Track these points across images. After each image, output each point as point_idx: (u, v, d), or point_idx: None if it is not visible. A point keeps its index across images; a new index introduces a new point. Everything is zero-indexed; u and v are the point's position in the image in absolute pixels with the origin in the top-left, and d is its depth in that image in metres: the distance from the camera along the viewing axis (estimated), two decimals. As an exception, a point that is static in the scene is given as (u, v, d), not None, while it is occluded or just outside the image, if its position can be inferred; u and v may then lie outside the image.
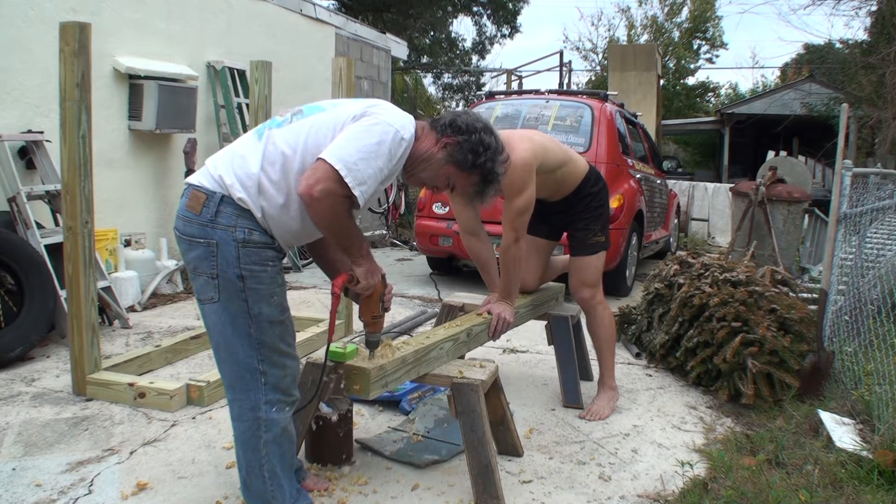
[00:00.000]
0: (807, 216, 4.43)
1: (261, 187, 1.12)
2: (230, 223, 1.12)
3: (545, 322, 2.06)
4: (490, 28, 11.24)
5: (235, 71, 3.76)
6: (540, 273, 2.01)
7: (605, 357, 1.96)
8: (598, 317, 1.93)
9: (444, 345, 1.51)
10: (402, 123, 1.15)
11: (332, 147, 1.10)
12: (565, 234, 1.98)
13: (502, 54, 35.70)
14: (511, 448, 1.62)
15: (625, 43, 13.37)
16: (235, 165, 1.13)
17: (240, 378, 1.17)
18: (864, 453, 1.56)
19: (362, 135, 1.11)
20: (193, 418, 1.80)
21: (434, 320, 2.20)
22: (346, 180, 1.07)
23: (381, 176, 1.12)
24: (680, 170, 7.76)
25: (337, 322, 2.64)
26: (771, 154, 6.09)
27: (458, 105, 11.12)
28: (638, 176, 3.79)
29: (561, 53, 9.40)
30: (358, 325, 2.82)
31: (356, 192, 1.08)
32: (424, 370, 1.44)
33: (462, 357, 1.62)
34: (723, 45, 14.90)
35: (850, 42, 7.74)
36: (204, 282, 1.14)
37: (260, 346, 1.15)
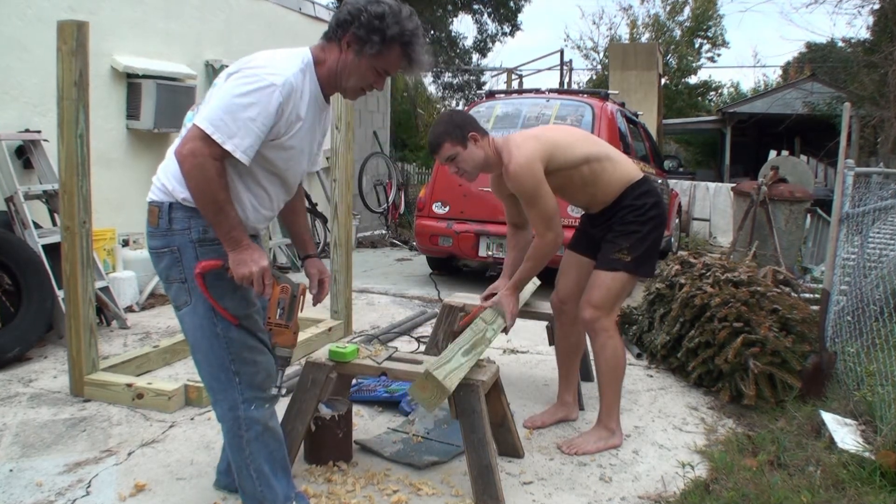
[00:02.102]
0: (809, 216, 4.40)
1: None
2: (184, 226, 1.14)
3: (545, 322, 2.05)
4: (491, 26, 11.22)
5: (234, 70, 3.74)
6: (578, 291, 1.74)
7: (605, 393, 1.69)
8: (598, 345, 1.67)
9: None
10: (273, 70, 1.08)
11: (201, 110, 1.08)
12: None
13: (503, 53, 35.68)
14: (511, 449, 1.61)
15: (626, 41, 13.34)
16: (171, 170, 1.15)
17: (216, 379, 1.17)
18: (867, 454, 1.55)
19: (228, 90, 1.07)
20: (192, 419, 1.79)
21: (434, 321, 2.19)
22: (214, 137, 1.04)
23: (261, 126, 1.07)
24: (681, 169, 7.73)
25: (336, 322, 2.63)
26: (773, 153, 6.06)
27: (458, 105, 11.09)
28: (639, 175, 3.76)
29: (562, 52, 9.36)
30: (358, 325, 2.81)
31: (229, 147, 1.05)
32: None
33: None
34: (724, 44, 14.86)
35: (853, 41, 7.73)
36: (177, 288, 1.17)
37: (229, 344, 1.15)
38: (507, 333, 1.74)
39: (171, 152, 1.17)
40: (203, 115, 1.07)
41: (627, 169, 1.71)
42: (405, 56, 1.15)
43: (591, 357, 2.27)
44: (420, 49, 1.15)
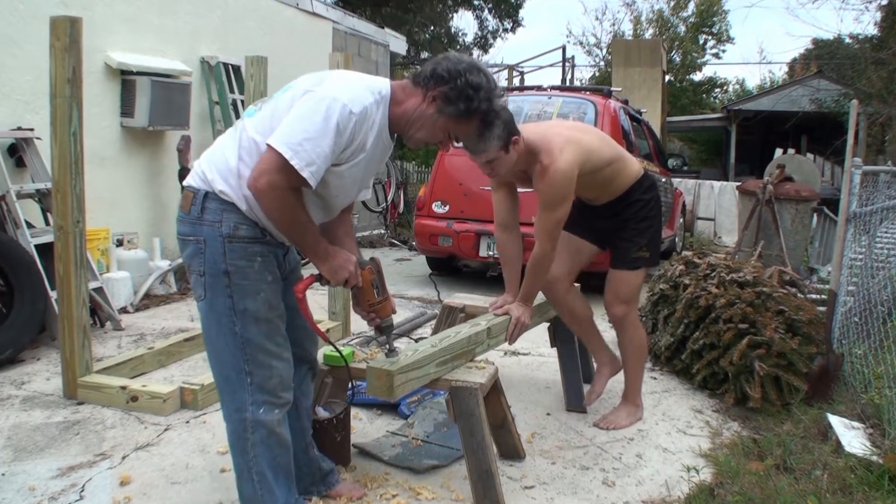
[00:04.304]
0: (815, 215, 4.36)
1: (241, 178, 1.11)
2: (216, 218, 1.12)
3: (548, 323, 2.01)
4: (491, 22, 11.18)
5: (230, 66, 3.72)
6: (573, 274, 1.87)
7: (633, 375, 1.87)
8: (628, 336, 1.84)
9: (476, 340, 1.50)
10: (351, 96, 1.08)
11: (278, 129, 1.07)
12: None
13: (504, 49, 35.58)
14: (512, 451, 1.59)
15: (629, 38, 13.25)
16: (216, 160, 1.15)
17: (226, 377, 1.16)
18: (874, 458, 1.53)
19: (308, 113, 1.06)
20: (187, 422, 1.77)
21: (434, 322, 2.16)
22: (293, 162, 1.04)
23: (334, 154, 1.08)
24: (685, 168, 7.67)
25: (334, 324, 2.60)
26: (779, 152, 5.99)
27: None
28: (642, 174, 3.72)
29: (564, 49, 9.28)
30: (356, 327, 2.78)
31: (305, 174, 1.05)
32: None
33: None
34: (729, 40, 14.77)
35: (860, 37, 7.67)
36: (196, 279, 1.15)
37: (245, 345, 1.13)
38: (510, 344, 1.72)
39: (220, 140, 1.18)
40: (281, 139, 1.05)
41: (634, 165, 1.80)
42: (480, 131, 1.18)
43: (592, 358, 2.25)
44: (496, 131, 1.20)
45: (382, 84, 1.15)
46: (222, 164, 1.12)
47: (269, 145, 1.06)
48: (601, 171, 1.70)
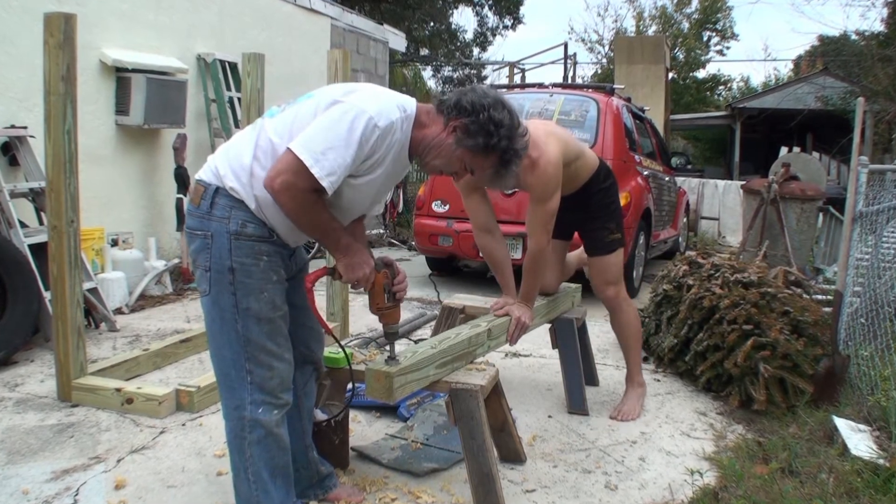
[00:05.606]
0: (821, 215, 4.32)
1: (253, 177, 1.11)
2: (224, 215, 1.12)
3: (549, 324, 1.99)
4: (492, 19, 11.13)
5: (227, 64, 3.69)
6: (559, 274, 1.99)
7: (633, 354, 1.96)
8: (624, 313, 1.93)
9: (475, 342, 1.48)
10: (378, 110, 1.08)
11: (301, 135, 1.07)
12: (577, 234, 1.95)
13: (504, 46, 35.46)
14: (513, 454, 1.57)
15: (632, 34, 13.19)
16: (230, 156, 1.14)
17: (226, 375, 1.16)
18: (881, 461, 1.50)
19: (333, 123, 1.06)
20: (183, 425, 1.76)
21: (433, 323, 2.13)
22: (313, 171, 1.04)
23: (354, 165, 1.08)
24: (689, 166, 7.62)
25: (333, 325, 2.58)
26: (784, 150, 5.96)
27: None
28: (645, 173, 3.71)
29: (565, 45, 9.24)
30: (355, 328, 2.76)
31: (325, 184, 1.05)
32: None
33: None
34: (734, 37, 14.69)
35: (867, 34, 7.58)
36: (200, 274, 1.15)
37: (246, 343, 1.13)
38: (512, 345, 1.72)
39: (237, 137, 1.17)
40: (303, 145, 1.05)
41: (593, 157, 1.88)
42: (497, 168, 1.16)
43: (588, 351, 2.22)
44: (514, 170, 1.18)
45: (410, 103, 1.15)
46: (236, 162, 1.11)
47: (290, 149, 1.05)
48: (569, 166, 1.73)
